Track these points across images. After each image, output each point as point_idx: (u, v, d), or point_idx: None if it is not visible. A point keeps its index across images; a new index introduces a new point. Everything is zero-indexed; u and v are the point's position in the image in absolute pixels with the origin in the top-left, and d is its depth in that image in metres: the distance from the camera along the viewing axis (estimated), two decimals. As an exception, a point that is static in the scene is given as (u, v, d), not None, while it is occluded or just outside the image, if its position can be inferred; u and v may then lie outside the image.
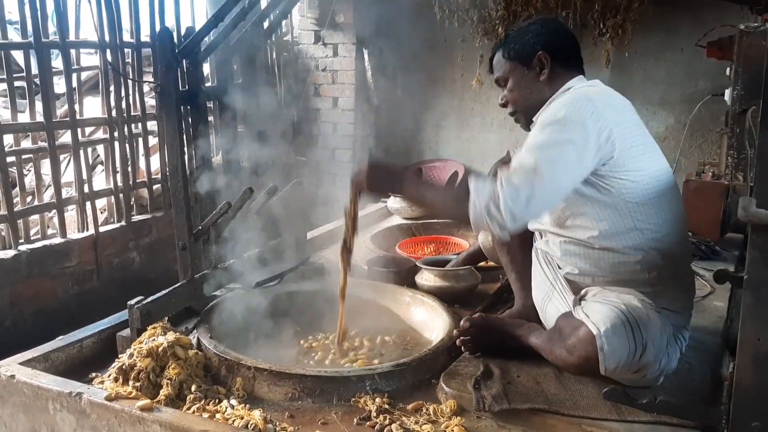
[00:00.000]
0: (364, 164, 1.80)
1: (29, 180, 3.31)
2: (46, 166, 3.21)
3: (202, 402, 1.61)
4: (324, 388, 1.66)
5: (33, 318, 2.94)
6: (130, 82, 3.40)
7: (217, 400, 1.63)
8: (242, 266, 2.21)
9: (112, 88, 3.33)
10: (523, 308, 2.00)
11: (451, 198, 1.72)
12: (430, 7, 4.60)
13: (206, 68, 3.00)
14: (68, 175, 3.49)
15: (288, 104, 4.75)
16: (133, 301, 1.89)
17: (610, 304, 1.59)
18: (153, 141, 3.66)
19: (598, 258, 1.72)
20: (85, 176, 3.23)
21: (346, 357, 1.94)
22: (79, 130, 3.20)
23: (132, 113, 3.45)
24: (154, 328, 1.86)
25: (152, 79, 3.51)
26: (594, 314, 1.58)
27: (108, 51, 3.27)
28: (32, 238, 3.09)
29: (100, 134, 3.44)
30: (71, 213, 3.28)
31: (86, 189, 3.23)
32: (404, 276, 2.41)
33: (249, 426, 1.48)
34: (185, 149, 2.07)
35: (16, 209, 2.92)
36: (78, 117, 3.21)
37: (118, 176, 3.38)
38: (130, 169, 3.44)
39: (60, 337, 1.95)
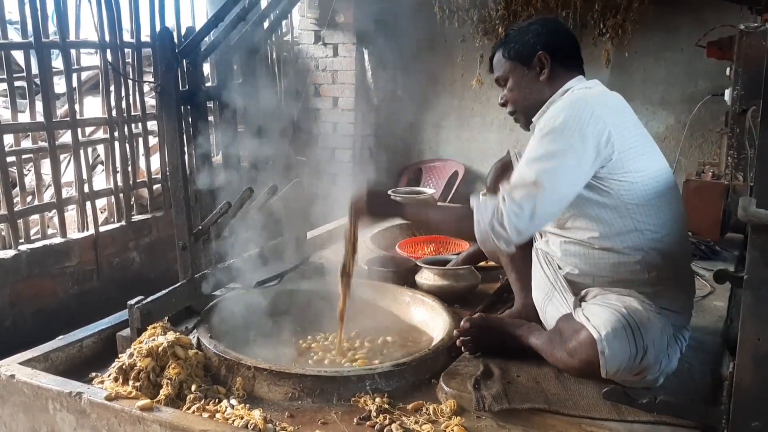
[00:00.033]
0: (363, 189, 1.83)
1: (29, 180, 3.31)
2: (46, 165, 3.21)
3: (202, 402, 1.61)
4: (324, 387, 1.66)
5: (33, 318, 2.94)
6: (130, 82, 3.40)
7: (217, 400, 1.63)
8: (242, 266, 2.21)
9: (112, 88, 3.33)
10: (523, 308, 2.01)
11: (454, 217, 1.75)
12: (430, 6, 4.60)
13: (206, 68, 3.00)
14: (68, 174, 3.49)
15: (288, 104, 4.75)
16: (133, 301, 1.89)
17: (611, 307, 1.59)
18: (153, 141, 3.66)
19: (599, 258, 1.72)
20: (85, 176, 3.23)
21: (345, 357, 1.94)
22: (79, 129, 3.20)
23: (132, 113, 3.45)
24: (154, 327, 1.86)
25: (152, 79, 3.50)
26: (594, 318, 1.58)
27: (108, 51, 3.27)
28: (32, 237, 3.09)
29: (100, 134, 3.44)
30: (71, 213, 3.28)
31: (86, 189, 3.23)
32: (404, 276, 2.41)
33: (249, 426, 1.48)
34: (185, 149, 2.07)
35: (16, 209, 2.92)
36: (78, 117, 3.21)
37: (118, 176, 3.38)
38: (130, 168, 3.44)
39: (60, 337, 1.95)
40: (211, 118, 2.41)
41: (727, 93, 2.85)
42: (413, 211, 1.82)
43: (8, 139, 2.93)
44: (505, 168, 2.02)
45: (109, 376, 1.73)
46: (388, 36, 4.59)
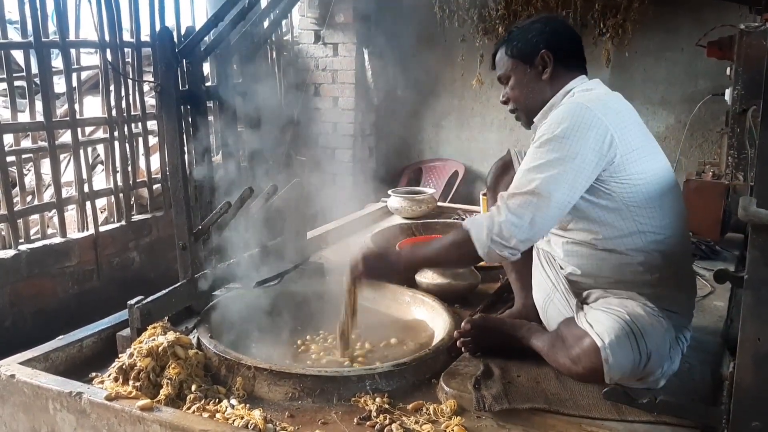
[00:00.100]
0: (359, 254, 1.84)
1: (29, 180, 3.31)
2: (46, 165, 3.21)
3: (202, 402, 1.61)
4: (324, 387, 1.66)
5: (33, 318, 2.94)
6: (130, 82, 3.40)
7: (217, 400, 1.63)
8: (242, 266, 2.21)
9: (112, 87, 3.33)
10: (523, 308, 2.00)
11: (451, 245, 1.74)
12: (431, 6, 4.60)
13: (206, 68, 3.00)
14: (68, 174, 3.49)
15: (288, 104, 4.75)
16: (133, 301, 1.89)
17: (614, 314, 1.58)
18: (153, 140, 3.67)
19: (601, 259, 1.72)
20: (85, 176, 3.23)
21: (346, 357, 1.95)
22: (79, 129, 3.20)
23: (132, 113, 3.45)
24: (154, 327, 1.86)
25: (152, 79, 3.51)
26: (598, 324, 1.58)
27: (108, 50, 3.28)
28: (32, 237, 3.09)
29: (100, 134, 3.44)
30: (71, 213, 3.28)
31: (86, 189, 3.23)
32: (404, 275, 2.41)
33: (249, 426, 1.48)
34: (185, 149, 2.07)
35: (16, 209, 2.92)
36: (78, 116, 3.21)
37: (118, 176, 3.38)
38: (130, 168, 3.44)
39: (60, 337, 1.95)
40: (211, 118, 2.42)
41: (728, 93, 2.85)
42: (408, 255, 1.81)
43: (8, 138, 2.93)
44: (505, 167, 2.02)
45: (109, 376, 1.73)
46: (388, 35, 4.59)
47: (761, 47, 2.58)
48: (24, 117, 3.10)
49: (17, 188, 3.05)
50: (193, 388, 1.66)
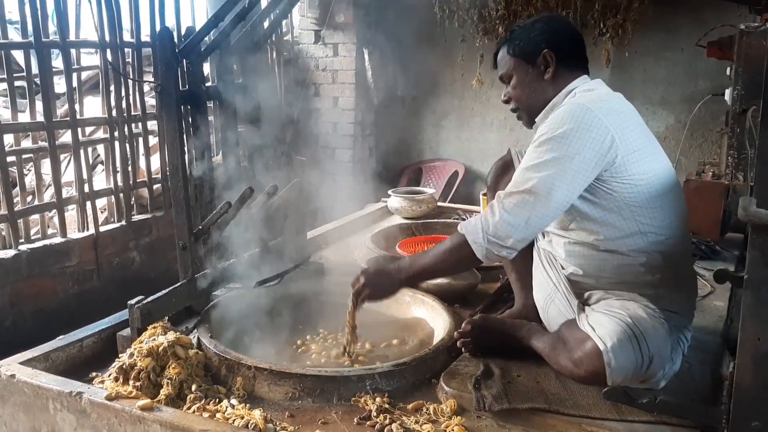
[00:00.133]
0: (360, 274, 1.85)
1: (29, 180, 3.31)
2: (46, 165, 3.22)
3: (203, 401, 1.61)
4: (324, 387, 1.66)
5: (33, 318, 2.94)
6: (130, 82, 3.40)
7: (217, 400, 1.63)
8: (242, 266, 2.21)
9: (112, 87, 3.33)
10: (524, 308, 2.00)
11: (449, 251, 1.74)
12: (431, 6, 4.61)
13: (206, 68, 3.00)
14: (68, 174, 3.49)
15: (288, 104, 4.75)
16: (133, 301, 1.89)
17: (616, 317, 1.58)
18: (153, 141, 3.67)
19: (603, 260, 1.71)
20: (85, 176, 3.23)
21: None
22: (79, 129, 3.20)
23: (132, 113, 3.45)
24: (154, 327, 1.86)
25: (152, 79, 3.51)
26: (600, 328, 1.58)
27: (108, 51, 3.28)
28: (32, 237, 3.09)
29: (100, 134, 3.44)
30: (71, 213, 3.28)
31: (86, 189, 3.23)
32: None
33: (249, 425, 1.48)
34: (185, 149, 2.07)
35: (16, 209, 2.92)
36: (78, 117, 3.21)
37: (119, 176, 3.38)
38: (130, 168, 3.44)
39: (60, 337, 1.95)
40: (211, 118, 2.42)
41: (728, 93, 2.86)
42: (407, 267, 1.82)
43: (8, 138, 2.93)
44: (506, 167, 2.01)
45: (110, 375, 1.73)
46: (388, 35, 4.59)
47: (761, 47, 2.58)
48: (24, 117, 3.11)
49: (17, 188, 3.05)
50: (194, 388, 1.66)
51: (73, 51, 3.26)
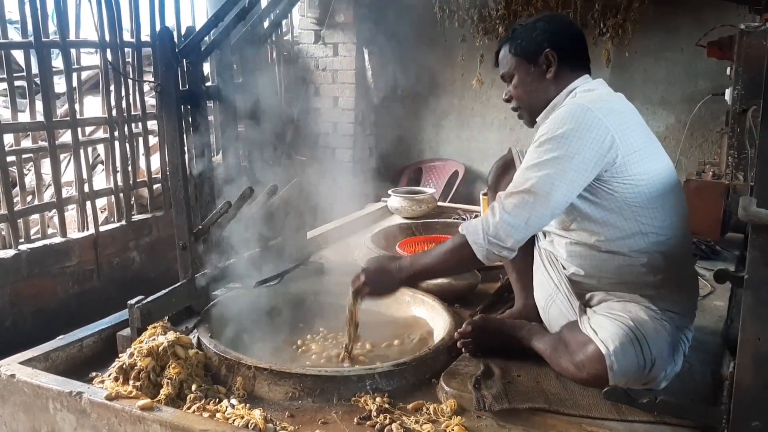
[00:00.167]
0: (360, 271, 1.85)
1: (29, 179, 3.31)
2: (46, 165, 3.22)
3: (203, 401, 1.61)
4: (324, 387, 1.66)
5: (33, 317, 2.94)
6: (130, 82, 3.40)
7: (217, 400, 1.63)
8: (242, 266, 2.21)
9: (112, 87, 3.33)
10: (524, 308, 2.00)
11: (449, 252, 1.75)
12: (431, 6, 4.60)
13: (206, 68, 3.00)
14: (68, 174, 3.49)
15: (288, 103, 4.75)
16: (133, 301, 1.89)
17: (618, 320, 1.58)
18: (153, 140, 3.67)
19: (604, 260, 1.71)
20: (85, 176, 3.23)
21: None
22: (79, 129, 3.20)
23: (132, 113, 3.45)
24: (154, 327, 1.86)
25: (152, 79, 3.51)
26: (602, 331, 1.57)
27: (108, 50, 3.28)
28: (32, 237, 3.09)
29: (100, 134, 3.44)
30: (71, 212, 3.28)
31: (86, 188, 3.23)
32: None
33: (249, 425, 1.48)
34: (185, 148, 2.07)
35: (16, 209, 2.92)
36: (78, 116, 3.21)
37: (119, 176, 3.38)
38: (130, 168, 3.44)
39: (60, 337, 1.95)
40: (211, 118, 2.42)
41: (728, 92, 2.86)
42: (408, 266, 1.82)
43: (8, 138, 2.93)
44: (506, 166, 2.01)
45: (110, 375, 1.73)
46: (388, 35, 4.59)
47: (761, 47, 2.58)
48: (24, 117, 3.10)
49: (17, 188, 3.05)
50: (194, 387, 1.66)
51: (73, 51, 3.26)
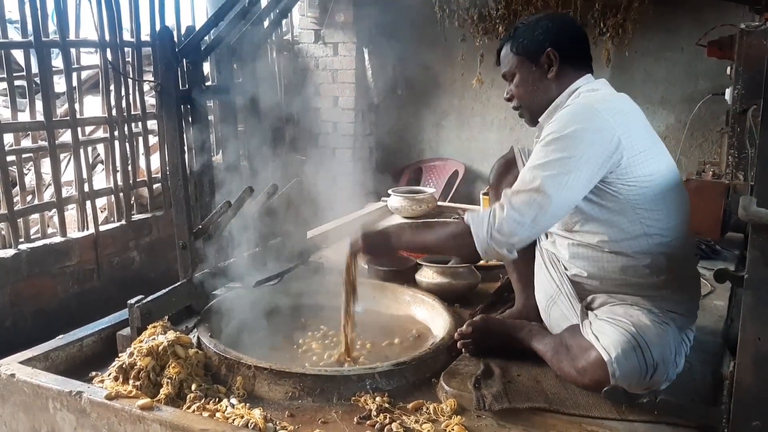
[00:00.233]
0: (359, 231, 1.86)
1: (29, 179, 3.31)
2: (46, 165, 3.21)
3: (203, 401, 1.61)
4: (324, 387, 1.66)
5: (33, 317, 2.94)
6: (130, 81, 3.40)
7: (217, 399, 1.63)
8: (242, 265, 2.21)
9: (112, 87, 3.33)
10: (524, 308, 1.99)
11: (449, 235, 1.75)
12: (431, 6, 4.60)
13: (206, 67, 3.00)
14: (68, 174, 3.49)
15: (288, 103, 4.75)
16: (133, 300, 1.89)
17: (620, 326, 1.58)
18: (153, 140, 3.67)
19: (607, 262, 1.70)
20: (85, 175, 3.23)
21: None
22: (79, 129, 3.20)
23: (132, 112, 3.45)
24: (154, 327, 1.86)
25: (152, 78, 3.50)
26: (604, 337, 1.57)
27: (108, 50, 3.28)
28: (32, 237, 3.09)
29: (100, 133, 3.44)
30: (71, 212, 3.28)
31: (86, 188, 3.23)
32: (404, 275, 2.41)
33: (249, 425, 1.48)
34: (185, 148, 2.07)
35: (16, 208, 2.92)
36: (78, 116, 3.21)
37: (119, 175, 3.38)
38: (130, 168, 3.44)
39: (60, 336, 1.95)
40: (211, 118, 2.42)
41: (728, 92, 2.86)
42: (408, 239, 1.82)
43: (8, 138, 2.93)
44: (508, 165, 2.00)
45: (110, 375, 1.73)
46: (388, 35, 4.59)
47: (761, 47, 2.58)
48: (24, 116, 3.10)
49: (17, 188, 3.05)
50: (193, 387, 1.66)
51: (73, 50, 3.26)
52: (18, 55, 3.39)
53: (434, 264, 2.37)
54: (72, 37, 3.20)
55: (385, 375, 1.70)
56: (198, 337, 1.90)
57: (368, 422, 1.54)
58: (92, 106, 3.51)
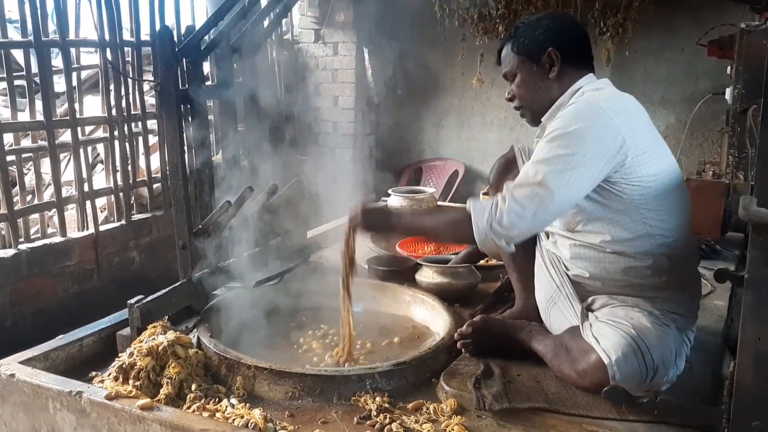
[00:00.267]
0: (359, 204, 1.85)
1: (29, 179, 3.31)
2: (46, 164, 3.21)
3: (202, 401, 1.61)
4: (324, 387, 1.66)
5: (33, 317, 2.94)
6: (130, 81, 3.40)
7: (217, 399, 1.63)
8: (242, 265, 2.21)
9: (112, 86, 3.33)
10: (524, 308, 1.99)
11: (449, 222, 1.74)
12: (431, 5, 4.60)
13: (206, 67, 3.00)
14: (68, 173, 3.48)
15: (288, 103, 4.75)
16: (133, 300, 1.89)
17: (620, 328, 1.58)
18: (153, 140, 3.66)
19: (610, 262, 1.70)
20: (85, 175, 3.23)
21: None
22: (79, 128, 3.20)
23: (132, 112, 3.45)
24: (154, 327, 1.86)
25: (152, 78, 3.50)
26: (604, 340, 1.57)
27: (108, 50, 3.27)
28: (32, 237, 3.09)
29: (100, 133, 3.44)
30: (71, 212, 3.28)
31: (86, 188, 3.23)
32: (404, 275, 2.41)
33: (249, 425, 1.48)
34: (185, 148, 2.07)
35: (16, 208, 2.92)
36: (78, 116, 3.21)
37: (118, 175, 3.38)
38: (130, 168, 3.44)
39: (60, 336, 1.95)
40: (211, 117, 2.42)
41: (728, 92, 2.85)
42: (408, 220, 1.82)
43: (8, 138, 2.93)
44: (509, 164, 1.99)
45: (110, 375, 1.73)
46: (388, 35, 4.59)
47: (762, 46, 2.58)
48: (24, 116, 3.10)
49: (17, 187, 3.05)
50: (193, 387, 1.66)
51: (72, 50, 3.25)
52: (18, 54, 3.38)
53: (434, 264, 2.37)
54: (72, 36, 3.20)
55: (385, 375, 1.70)
56: (198, 337, 1.90)
57: (368, 422, 1.54)
58: (92, 105, 3.51)
